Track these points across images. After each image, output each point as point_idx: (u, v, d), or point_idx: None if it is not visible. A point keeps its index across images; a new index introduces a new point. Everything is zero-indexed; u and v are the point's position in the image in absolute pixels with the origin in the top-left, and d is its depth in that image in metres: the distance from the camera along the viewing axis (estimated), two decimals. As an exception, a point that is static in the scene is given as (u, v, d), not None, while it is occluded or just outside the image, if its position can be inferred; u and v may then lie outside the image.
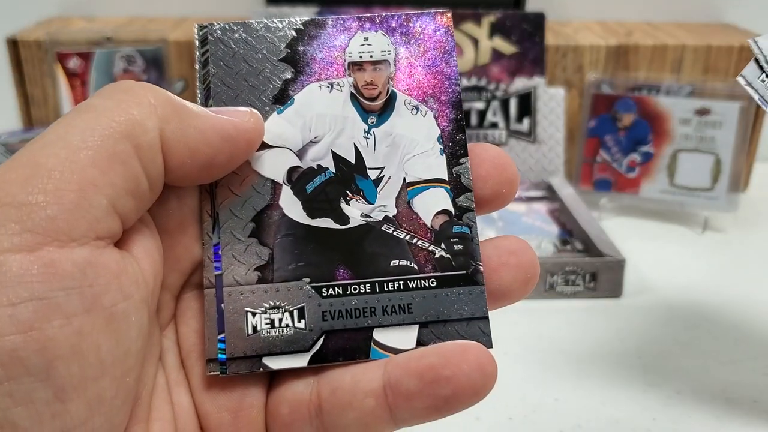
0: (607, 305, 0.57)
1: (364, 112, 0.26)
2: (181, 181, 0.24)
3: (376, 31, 0.27)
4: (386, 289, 0.25)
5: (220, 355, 0.25)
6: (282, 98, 0.26)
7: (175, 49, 0.77)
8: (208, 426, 0.25)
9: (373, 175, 0.26)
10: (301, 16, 0.80)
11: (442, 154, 0.26)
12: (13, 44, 0.76)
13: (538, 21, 0.74)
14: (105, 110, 0.22)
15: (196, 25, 0.26)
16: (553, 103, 0.74)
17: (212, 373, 0.25)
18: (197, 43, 0.26)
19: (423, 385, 0.23)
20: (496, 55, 0.75)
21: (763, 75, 0.29)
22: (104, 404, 0.21)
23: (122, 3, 0.87)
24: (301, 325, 0.25)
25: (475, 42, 0.75)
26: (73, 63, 0.74)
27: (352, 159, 0.26)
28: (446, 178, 0.26)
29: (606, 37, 0.80)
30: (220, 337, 0.25)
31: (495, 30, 0.75)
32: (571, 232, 0.65)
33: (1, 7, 0.83)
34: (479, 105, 0.74)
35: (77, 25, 0.82)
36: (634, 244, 0.66)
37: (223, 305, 0.25)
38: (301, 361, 0.25)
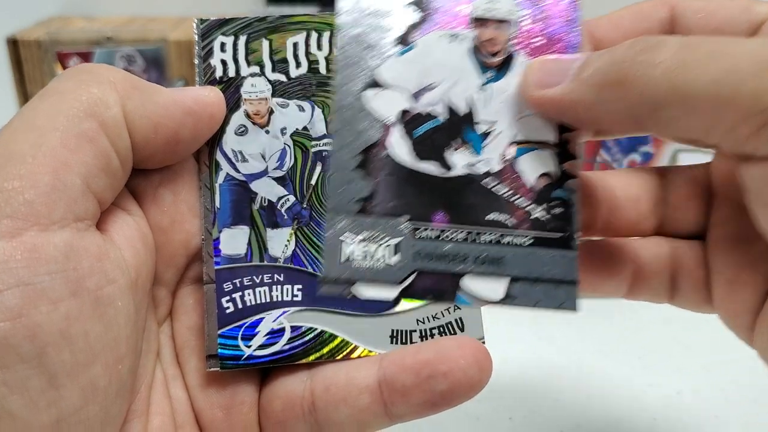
0: (607, 305, 0.57)
1: (482, 67, 0.26)
2: (150, 159, 0.24)
3: None
4: (480, 240, 0.25)
5: (220, 351, 0.25)
6: (405, 41, 0.26)
7: (175, 48, 0.77)
8: (203, 422, 0.25)
9: (481, 129, 0.26)
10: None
11: None
12: (13, 44, 0.76)
13: (538, 21, 0.74)
14: (67, 92, 0.22)
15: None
16: (553, 103, 0.74)
17: (212, 369, 0.25)
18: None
19: (419, 380, 0.23)
20: (496, 55, 0.75)
21: None
22: (98, 392, 0.21)
23: (122, 2, 0.87)
24: (395, 259, 0.25)
25: (475, 42, 0.75)
26: (73, 62, 0.74)
27: (463, 110, 0.26)
28: (554, 142, 0.26)
29: (606, 37, 0.79)
30: (220, 332, 0.25)
31: (495, 30, 0.75)
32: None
33: (1, 6, 0.83)
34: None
35: (77, 25, 0.82)
36: (634, 244, 0.66)
37: (223, 300, 0.25)
38: (391, 293, 0.25)
